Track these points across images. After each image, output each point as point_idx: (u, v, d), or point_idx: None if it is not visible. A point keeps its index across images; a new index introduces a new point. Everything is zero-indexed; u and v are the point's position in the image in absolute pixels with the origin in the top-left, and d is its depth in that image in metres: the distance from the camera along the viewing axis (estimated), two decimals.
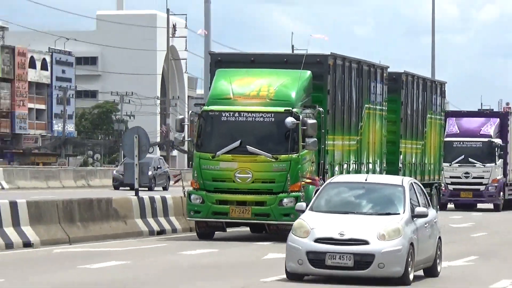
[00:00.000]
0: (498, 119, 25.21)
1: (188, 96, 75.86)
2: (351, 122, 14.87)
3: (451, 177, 24.22)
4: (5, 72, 54.46)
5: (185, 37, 69.92)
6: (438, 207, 18.36)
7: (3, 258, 9.62)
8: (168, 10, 59.42)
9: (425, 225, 8.44)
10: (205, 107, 13.09)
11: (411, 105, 17.60)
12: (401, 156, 16.63)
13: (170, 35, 61.62)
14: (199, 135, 13.04)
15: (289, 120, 12.19)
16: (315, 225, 7.68)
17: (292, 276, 7.71)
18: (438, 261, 8.86)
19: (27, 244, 10.72)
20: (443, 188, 22.28)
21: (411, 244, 7.83)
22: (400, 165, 16.60)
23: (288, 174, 12.52)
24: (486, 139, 24.25)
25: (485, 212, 23.80)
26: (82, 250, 10.94)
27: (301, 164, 12.75)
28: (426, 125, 18.34)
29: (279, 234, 12.16)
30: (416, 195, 8.66)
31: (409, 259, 7.74)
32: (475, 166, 24.14)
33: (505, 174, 24.60)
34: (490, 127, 24.63)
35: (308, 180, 12.84)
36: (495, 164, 24.05)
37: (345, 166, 14.72)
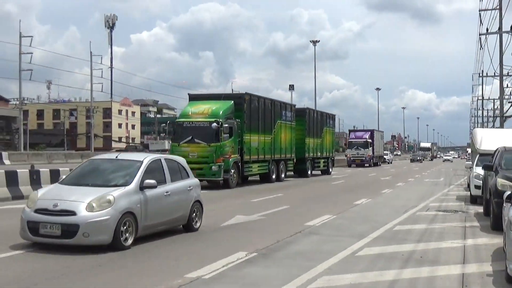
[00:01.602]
0: (370, 132, 58.82)
1: None
2: (265, 127, 26.58)
3: (351, 154, 55.95)
4: None
5: None
6: (331, 169, 38.49)
7: None
8: None
9: (166, 193, 9.66)
10: (177, 120, 24.27)
11: (313, 123, 34.58)
12: (306, 145, 32.99)
13: None
14: (174, 134, 23.41)
15: (214, 125, 22.37)
16: (43, 196, 8.63)
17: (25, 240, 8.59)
18: (196, 219, 10.79)
19: None
20: (349, 159, 55.82)
21: (129, 213, 8.63)
22: (306, 149, 32.94)
23: (214, 153, 22.30)
24: (364, 140, 56.39)
25: (363, 168, 52.48)
26: None
27: (223, 148, 22.60)
28: (322, 132, 36.23)
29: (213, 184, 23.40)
30: (164, 170, 9.90)
31: (123, 227, 8.50)
32: (360, 150, 55.66)
33: (373, 153, 56.75)
34: (366, 135, 57.63)
35: (226, 156, 22.77)
36: (368, 149, 55.65)
37: (259, 150, 25.92)
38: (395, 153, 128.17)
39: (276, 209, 15.05)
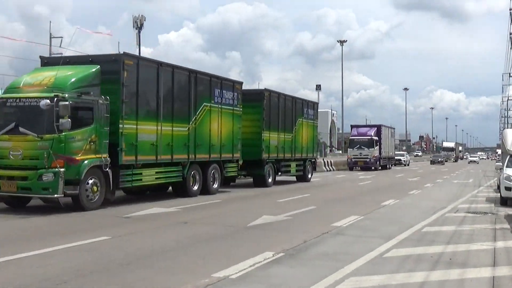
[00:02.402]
0: (376, 128, 49.10)
1: None
2: (178, 111, 17.15)
3: (353, 155, 47.01)
4: None
5: None
6: (311, 174, 29.03)
7: None
8: None
9: None
10: None
11: (276, 111, 24.73)
12: (265, 142, 23.51)
13: None
14: None
15: (43, 102, 12.85)
16: None
17: None
18: None
19: None
20: (350, 160, 46.92)
21: None
22: (264, 147, 23.50)
23: (50, 151, 12.99)
24: (369, 137, 47.20)
25: (370, 171, 44.60)
26: None
27: (66, 143, 13.20)
28: (295, 125, 26.61)
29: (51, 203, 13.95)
30: None
31: None
32: (364, 149, 46.60)
33: (380, 153, 47.96)
34: (371, 131, 48.10)
35: (73, 158, 13.26)
36: (374, 148, 46.69)
37: (160, 147, 16.28)
38: (415, 153, 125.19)
39: (303, 209, 15.01)
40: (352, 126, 50.81)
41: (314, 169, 29.74)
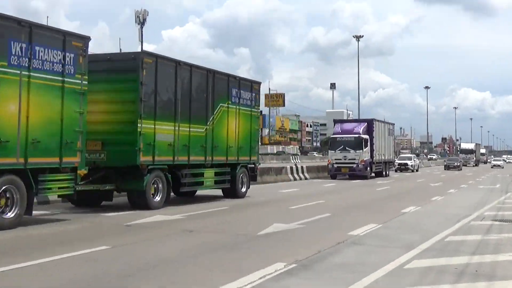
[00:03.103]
0: (366, 123, 41.16)
1: None
2: None
3: (335, 159, 38.78)
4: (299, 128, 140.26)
5: None
6: (246, 186, 21.54)
7: None
8: None
9: None
10: None
11: (169, 88, 16.79)
12: (144, 137, 15.67)
13: None
14: None
15: None
16: None
17: None
18: None
19: None
20: (331, 166, 38.83)
21: None
22: (144, 145, 15.71)
23: None
24: (356, 135, 39.01)
25: (358, 180, 37.05)
26: None
27: None
28: (214, 114, 18.90)
29: None
30: None
31: None
32: (350, 152, 38.43)
33: (372, 157, 39.96)
34: (360, 128, 39.95)
35: None
36: (362, 150, 38.48)
37: None
38: (429, 156, 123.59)
39: (316, 216, 14.98)
40: (335, 122, 42.66)
41: (254, 178, 22.02)
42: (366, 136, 39.48)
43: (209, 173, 19.03)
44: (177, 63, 17.05)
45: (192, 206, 17.47)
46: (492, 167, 78.04)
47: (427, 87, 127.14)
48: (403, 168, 55.76)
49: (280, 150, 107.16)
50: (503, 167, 78.63)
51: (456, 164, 67.32)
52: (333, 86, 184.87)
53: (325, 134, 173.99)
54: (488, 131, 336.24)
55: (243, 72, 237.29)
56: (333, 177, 38.34)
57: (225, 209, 16.95)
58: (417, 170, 57.81)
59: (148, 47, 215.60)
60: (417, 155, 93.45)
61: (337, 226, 13.35)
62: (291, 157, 72.48)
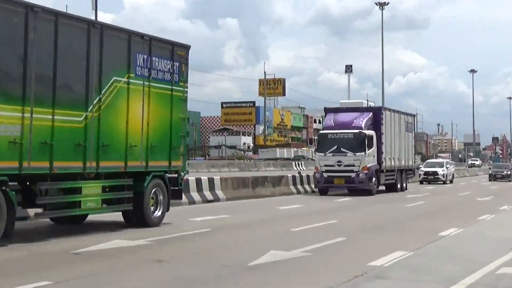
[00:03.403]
0: (371, 113, 37.07)
1: None
2: None
3: (325, 165, 35.12)
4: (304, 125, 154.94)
5: None
6: (167, 205, 18.22)
7: None
8: None
9: None
10: None
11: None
12: None
13: None
14: None
15: None
16: None
17: None
18: None
19: None
20: (319, 175, 35.17)
21: None
22: None
23: None
24: (356, 131, 35.07)
25: (359, 196, 33.90)
26: None
27: None
28: (103, 91, 15.81)
29: None
30: None
31: None
32: (347, 155, 34.72)
33: (379, 162, 36.20)
34: (362, 120, 35.93)
35: None
36: (365, 153, 34.59)
37: None
38: (469, 161, 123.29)
39: (327, 241, 14.98)
40: (326, 111, 38.89)
41: (178, 195, 19.33)
42: (371, 132, 35.41)
43: (91, 188, 15.81)
44: (30, 9, 13.84)
45: (161, 227, 17.42)
46: None
47: (472, 71, 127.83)
48: (431, 178, 54.11)
49: (299, 154, 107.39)
50: None
51: (506, 172, 64.23)
52: (349, 69, 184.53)
53: None
54: None
55: (231, 51, 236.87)
56: (323, 191, 34.97)
57: (206, 231, 16.92)
58: (450, 181, 56.61)
59: (105, 18, 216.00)
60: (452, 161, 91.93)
61: (355, 254, 13.34)
62: (293, 163, 72.72)
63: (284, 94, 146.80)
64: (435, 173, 54.60)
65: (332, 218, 20.79)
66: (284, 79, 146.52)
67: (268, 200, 29.83)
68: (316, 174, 35.71)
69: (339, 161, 34.52)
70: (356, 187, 34.69)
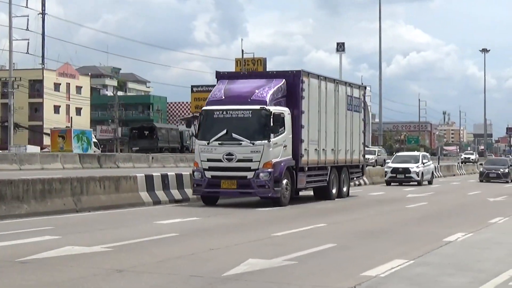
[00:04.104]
0: (283, 80, 28.27)
1: None
2: None
3: (209, 160, 26.76)
4: None
5: None
6: None
7: None
8: None
9: None
10: None
11: None
12: None
13: None
14: None
15: None
16: None
17: None
18: None
19: None
20: (199, 175, 26.62)
21: None
22: None
23: None
24: (256, 107, 26.68)
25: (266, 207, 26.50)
26: None
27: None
28: None
29: None
30: None
31: None
32: (241, 144, 26.43)
33: (296, 155, 27.91)
34: (267, 91, 27.46)
35: None
36: (269, 141, 26.40)
37: None
38: (463, 156, 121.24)
39: (314, 248, 15.05)
40: (219, 76, 29.98)
41: None
42: (282, 110, 27.40)
43: None
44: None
45: (121, 231, 17.42)
46: None
47: (484, 50, 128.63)
48: (401, 178, 48.06)
49: None
50: None
51: (502, 171, 56.21)
52: (340, 47, 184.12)
53: None
54: None
55: (202, 25, 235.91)
56: (206, 200, 27.46)
57: (173, 236, 16.93)
58: (429, 182, 50.55)
59: None
60: (433, 155, 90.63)
61: (346, 263, 13.43)
62: None
63: None
64: (407, 170, 47.83)
65: (320, 222, 20.88)
66: (265, 58, 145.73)
67: (248, 200, 29.83)
68: (195, 173, 27.16)
69: (229, 154, 26.49)
70: (255, 193, 26.88)
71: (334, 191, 31.55)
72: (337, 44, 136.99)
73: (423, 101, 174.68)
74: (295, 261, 13.36)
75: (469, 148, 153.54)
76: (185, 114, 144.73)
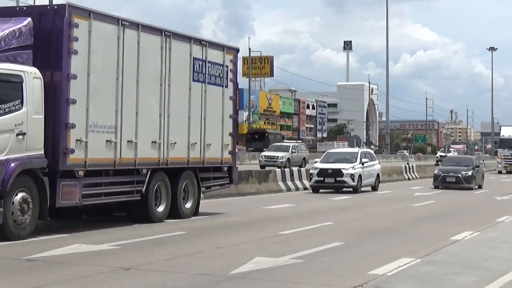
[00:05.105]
0: (29, 19, 17.08)
1: None
2: None
3: None
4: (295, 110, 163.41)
5: None
6: None
7: None
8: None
9: None
10: None
11: None
12: None
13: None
14: None
15: None
16: None
17: None
18: None
19: None
20: None
21: None
22: None
23: None
24: None
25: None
26: None
27: None
28: None
29: None
30: None
31: None
32: None
33: (55, 151, 17.08)
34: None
35: None
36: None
37: None
38: (438, 154, 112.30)
39: (321, 247, 15.07)
40: None
41: None
42: (14, 69, 16.09)
43: None
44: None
45: (128, 229, 17.44)
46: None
47: (492, 49, 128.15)
48: (330, 183, 35.50)
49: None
50: None
51: (463, 174, 41.41)
52: (348, 46, 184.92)
53: (335, 120, 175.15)
54: None
55: (210, 23, 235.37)
56: None
57: (180, 234, 16.95)
58: (373, 188, 38.38)
59: None
60: (376, 149, 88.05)
61: (353, 262, 13.44)
62: None
63: (272, 75, 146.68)
64: (338, 173, 35.26)
65: (327, 220, 20.86)
66: (272, 57, 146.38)
67: (254, 198, 29.86)
68: None
69: None
70: None
71: (161, 209, 20.33)
72: (344, 42, 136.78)
73: (430, 99, 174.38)
74: (302, 259, 13.37)
75: (490, 146, 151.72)
76: None
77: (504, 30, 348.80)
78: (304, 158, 62.77)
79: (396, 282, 11.37)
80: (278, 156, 58.49)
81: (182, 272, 11.96)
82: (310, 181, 36.06)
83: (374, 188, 38.29)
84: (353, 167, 35.59)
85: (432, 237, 17.40)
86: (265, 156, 60.05)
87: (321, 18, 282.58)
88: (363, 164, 36.51)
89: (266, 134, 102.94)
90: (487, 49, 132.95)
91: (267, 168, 43.10)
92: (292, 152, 60.86)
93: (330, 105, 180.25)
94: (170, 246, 15.12)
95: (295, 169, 38.00)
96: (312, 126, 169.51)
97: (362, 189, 36.12)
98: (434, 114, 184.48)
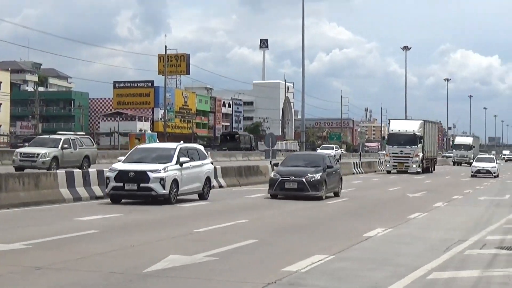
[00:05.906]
0: None
1: None
2: None
3: None
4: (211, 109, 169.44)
5: None
6: None
7: None
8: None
9: None
10: None
11: None
12: None
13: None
14: None
15: None
16: None
17: None
18: None
19: None
20: None
21: None
22: None
23: None
24: None
25: None
26: None
27: None
28: None
29: None
30: None
31: None
32: None
33: None
34: None
35: None
36: None
37: None
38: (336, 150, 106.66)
39: (235, 244, 15.08)
40: None
41: None
42: None
43: None
44: None
45: (42, 228, 17.20)
46: (473, 175, 60.92)
47: (406, 48, 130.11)
48: (134, 191, 25.34)
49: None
50: (496, 175, 61.91)
51: (309, 177, 29.71)
52: (264, 44, 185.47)
53: (251, 118, 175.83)
54: (495, 115, 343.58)
55: (125, 21, 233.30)
56: None
57: (93, 233, 16.77)
58: (202, 196, 28.08)
59: None
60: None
61: (267, 258, 13.49)
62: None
63: (188, 73, 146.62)
64: (142, 177, 25.20)
65: (242, 218, 20.87)
66: (188, 54, 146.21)
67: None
68: None
69: None
70: None
71: None
72: (261, 40, 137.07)
73: (346, 97, 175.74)
74: (216, 257, 13.37)
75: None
76: (107, 110, 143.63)
77: (417, 30, 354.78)
78: (86, 156, 43.90)
79: (309, 279, 11.44)
80: (39, 154, 39.82)
81: (95, 271, 11.84)
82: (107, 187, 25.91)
83: (202, 196, 28.24)
84: (164, 169, 25.78)
85: (345, 234, 17.58)
86: (21, 153, 41.18)
87: (238, 16, 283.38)
88: (181, 164, 26.78)
89: (237, 136, 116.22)
90: (401, 48, 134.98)
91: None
92: (63, 148, 41.33)
93: (246, 103, 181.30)
94: (83, 244, 14.95)
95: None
96: (228, 124, 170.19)
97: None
98: (349, 112, 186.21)
